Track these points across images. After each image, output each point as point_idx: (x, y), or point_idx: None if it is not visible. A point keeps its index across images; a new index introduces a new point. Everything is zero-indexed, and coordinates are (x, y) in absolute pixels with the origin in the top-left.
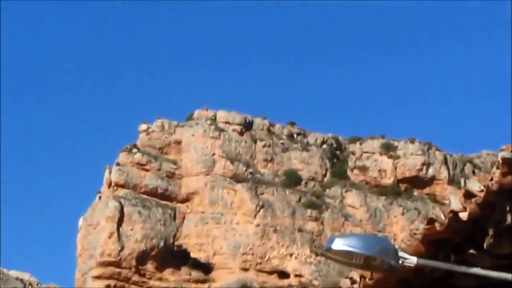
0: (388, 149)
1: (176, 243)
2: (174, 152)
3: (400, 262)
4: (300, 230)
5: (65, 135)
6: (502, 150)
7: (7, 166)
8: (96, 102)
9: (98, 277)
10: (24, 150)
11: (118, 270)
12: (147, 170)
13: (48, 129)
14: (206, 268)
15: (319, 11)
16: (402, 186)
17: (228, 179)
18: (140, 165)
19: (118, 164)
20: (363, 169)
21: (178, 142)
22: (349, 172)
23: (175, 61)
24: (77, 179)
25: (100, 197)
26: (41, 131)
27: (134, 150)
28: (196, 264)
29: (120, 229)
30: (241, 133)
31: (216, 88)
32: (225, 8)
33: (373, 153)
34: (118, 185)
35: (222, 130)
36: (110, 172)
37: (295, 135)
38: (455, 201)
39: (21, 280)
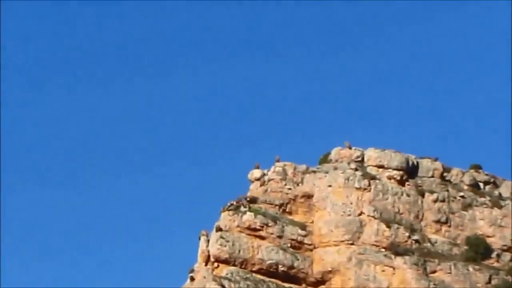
0: None
1: None
2: (302, 210)
3: None
4: None
5: (145, 190)
6: None
7: (84, 239)
8: (187, 140)
9: None
10: (101, 219)
11: None
12: (262, 238)
13: (123, 186)
14: None
15: None
16: None
17: (382, 250)
18: (252, 231)
19: (219, 230)
20: None
21: (308, 196)
22: None
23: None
24: (162, 252)
25: (193, 278)
26: (115, 188)
27: (243, 208)
28: None
29: None
30: (401, 182)
31: (362, 118)
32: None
33: None
34: (219, 261)
35: (373, 177)
36: (208, 242)
37: (481, 185)
38: None
39: None
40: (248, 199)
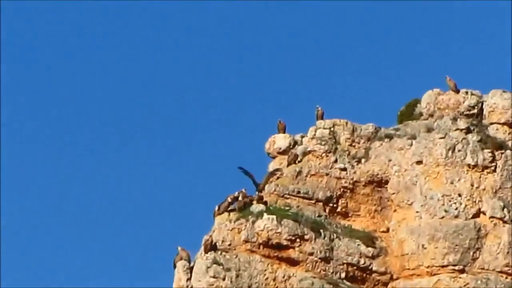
0: None
1: None
2: (368, 209)
3: None
4: None
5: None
6: None
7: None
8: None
9: None
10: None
11: None
12: (292, 262)
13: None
14: None
15: None
16: None
17: None
18: (272, 249)
19: (211, 248)
20: None
21: (379, 183)
22: None
23: None
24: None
25: None
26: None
27: (255, 207)
28: None
29: None
30: None
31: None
32: None
33: None
34: None
35: (501, 146)
36: (190, 270)
37: None
38: None
39: None
40: (264, 190)
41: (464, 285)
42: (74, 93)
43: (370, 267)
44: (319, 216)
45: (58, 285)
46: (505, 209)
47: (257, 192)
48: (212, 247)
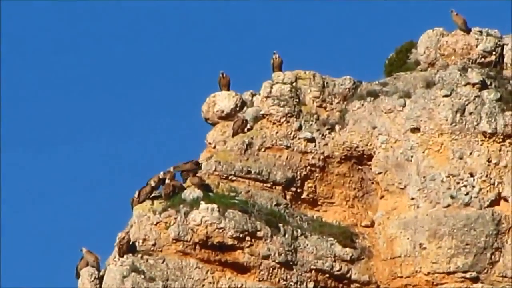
0: None
1: None
2: (342, 194)
3: None
4: None
5: None
6: None
7: None
8: None
9: None
10: None
11: None
12: (238, 268)
13: None
14: None
15: None
16: None
17: None
18: (209, 250)
19: (126, 250)
20: None
21: (358, 158)
22: None
23: None
24: None
25: None
26: None
27: (188, 194)
28: None
29: None
30: None
31: None
32: None
33: None
34: None
35: None
36: (100, 280)
37: None
38: None
39: None
40: (197, 164)
41: None
42: (74, 93)
43: (348, 275)
44: (277, 205)
45: (58, 285)
46: None
47: (192, 168)
48: (129, 248)
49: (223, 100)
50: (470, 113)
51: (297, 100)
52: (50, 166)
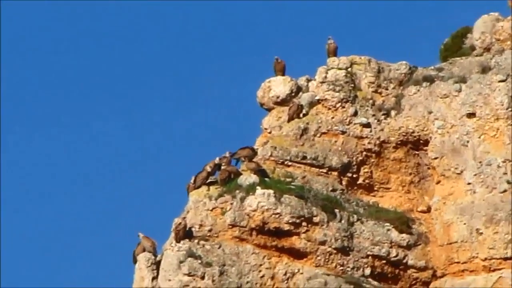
0: None
1: None
2: (398, 180)
3: None
4: None
5: None
6: None
7: None
8: None
9: None
10: None
11: None
12: (297, 254)
13: None
14: None
15: None
16: None
17: None
18: (267, 236)
19: (185, 235)
20: None
21: (414, 144)
22: None
23: None
24: None
25: None
26: None
27: (244, 180)
28: None
29: None
30: None
31: None
32: None
33: None
34: None
35: None
36: (157, 266)
37: None
38: None
39: None
40: (253, 150)
41: None
42: (73, 93)
43: (404, 261)
44: (333, 190)
45: (58, 285)
46: None
47: (247, 154)
48: (186, 234)
49: (279, 86)
50: None
51: (353, 85)
52: (106, 151)
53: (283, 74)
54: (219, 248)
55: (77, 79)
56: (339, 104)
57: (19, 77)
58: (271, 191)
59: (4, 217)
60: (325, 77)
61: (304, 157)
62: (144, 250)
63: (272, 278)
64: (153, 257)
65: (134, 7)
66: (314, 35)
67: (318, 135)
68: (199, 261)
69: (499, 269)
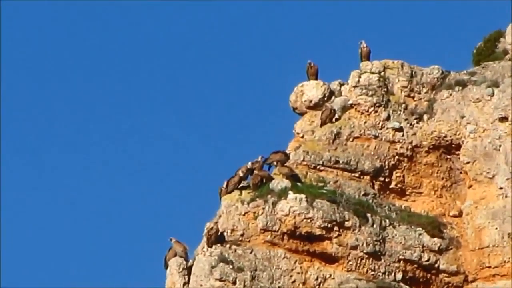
0: None
1: None
2: (431, 184)
3: None
4: None
5: None
6: None
7: None
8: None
9: None
10: None
11: None
12: (328, 258)
13: None
14: None
15: None
16: None
17: None
18: (299, 240)
19: (216, 240)
20: None
21: (446, 148)
22: None
23: None
24: None
25: None
26: None
27: (275, 184)
28: None
29: None
30: None
31: None
32: None
33: None
34: None
35: None
36: (188, 271)
37: None
38: None
39: None
40: (286, 155)
41: None
42: (74, 93)
43: (436, 265)
44: (365, 194)
45: (58, 285)
46: None
47: (277, 160)
48: (218, 238)
49: (311, 90)
50: None
51: (385, 89)
52: (139, 153)
53: (316, 78)
54: (250, 252)
55: (79, 79)
56: (372, 108)
57: (19, 77)
58: (303, 196)
59: (3, 217)
60: (358, 81)
61: (337, 162)
62: (175, 255)
63: (304, 283)
64: (184, 262)
65: (144, 7)
66: (347, 39)
67: (350, 139)
68: (231, 266)
69: None
